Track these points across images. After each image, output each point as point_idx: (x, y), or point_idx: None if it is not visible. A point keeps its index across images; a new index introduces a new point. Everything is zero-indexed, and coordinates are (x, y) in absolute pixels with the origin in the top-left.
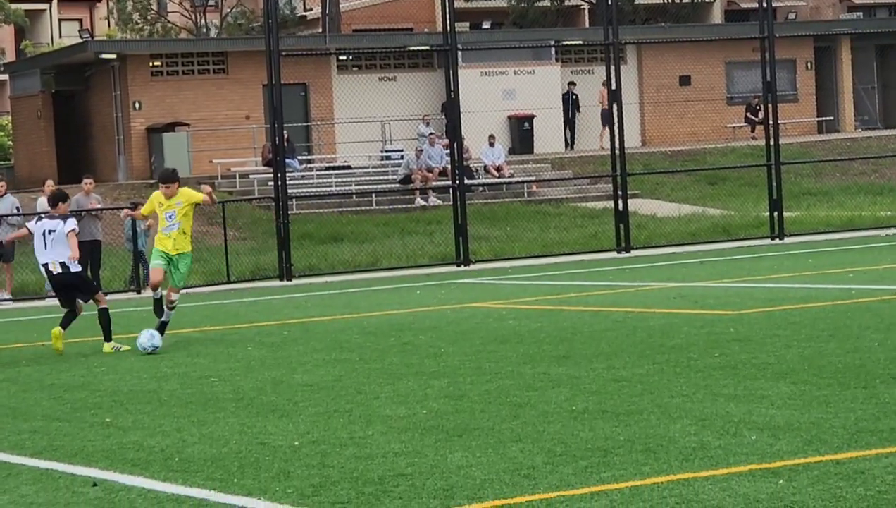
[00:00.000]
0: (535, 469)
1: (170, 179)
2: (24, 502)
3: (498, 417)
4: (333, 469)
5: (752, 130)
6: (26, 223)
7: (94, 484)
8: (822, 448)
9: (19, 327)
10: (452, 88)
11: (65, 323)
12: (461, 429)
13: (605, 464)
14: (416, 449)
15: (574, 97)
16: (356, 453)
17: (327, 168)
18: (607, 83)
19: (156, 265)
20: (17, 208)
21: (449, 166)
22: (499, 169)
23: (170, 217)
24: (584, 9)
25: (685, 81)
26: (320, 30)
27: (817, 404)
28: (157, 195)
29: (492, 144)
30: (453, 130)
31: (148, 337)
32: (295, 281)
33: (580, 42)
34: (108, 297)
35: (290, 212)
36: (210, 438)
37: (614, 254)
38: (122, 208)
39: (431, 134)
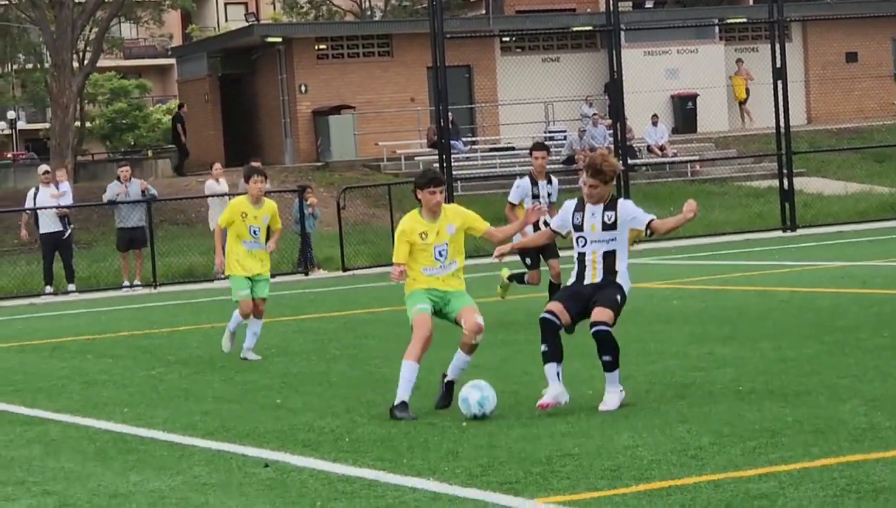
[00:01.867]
0: (702, 449)
1: (439, 180)
2: (198, 483)
3: (664, 397)
4: (501, 450)
5: None
6: None
7: (266, 465)
8: None
9: (188, 309)
10: (615, 69)
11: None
12: (627, 410)
13: (774, 445)
14: (583, 430)
15: None
16: (523, 434)
17: (491, 150)
18: (772, 61)
19: (422, 310)
20: (145, 193)
21: (612, 147)
22: (662, 149)
23: (441, 255)
24: None
25: (851, 57)
26: (483, 11)
27: None
28: (414, 222)
29: (655, 124)
30: (616, 111)
31: (477, 397)
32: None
33: (744, 20)
34: (275, 279)
35: (455, 193)
36: (379, 419)
37: (780, 233)
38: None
39: (595, 114)
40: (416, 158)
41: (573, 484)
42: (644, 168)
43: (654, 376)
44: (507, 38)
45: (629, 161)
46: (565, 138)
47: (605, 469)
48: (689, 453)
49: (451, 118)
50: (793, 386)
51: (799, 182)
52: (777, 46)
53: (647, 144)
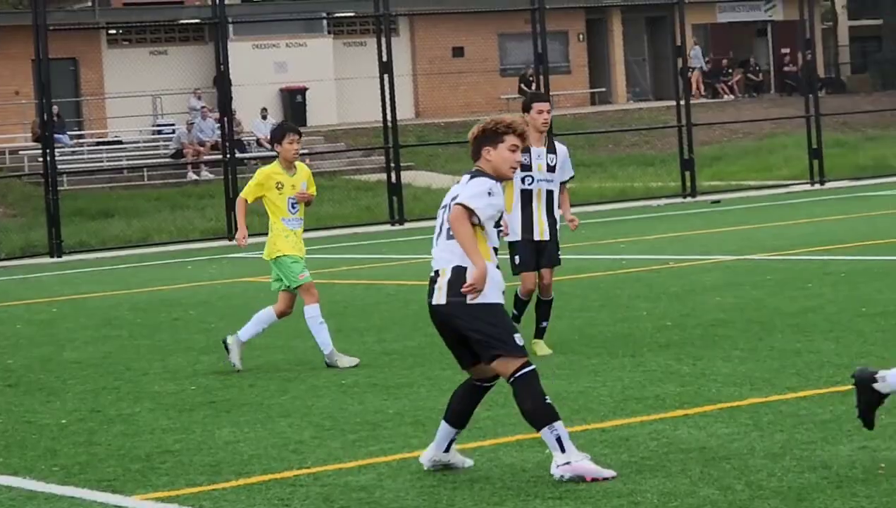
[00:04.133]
0: (302, 443)
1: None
2: None
3: (267, 392)
4: (101, 447)
5: None
6: None
7: None
8: (588, 416)
9: None
10: (222, 62)
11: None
12: (230, 405)
13: (374, 438)
14: (185, 425)
15: None
16: (124, 430)
17: (98, 143)
18: (379, 55)
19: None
20: None
21: (220, 140)
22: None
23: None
24: None
25: (458, 52)
26: (90, 3)
27: (586, 373)
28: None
29: (264, 117)
30: (224, 104)
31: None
32: (66, 257)
33: (352, 14)
34: None
35: (60, 188)
36: None
37: (388, 227)
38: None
39: (203, 108)
40: (20, 152)
41: (172, 480)
42: (253, 162)
43: (259, 370)
44: (114, 31)
45: (237, 155)
46: (174, 132)
47: (205, 464)
48: (289, 447)
49: (55, 111)
50: (395, 378)
51: (407, 176)
52: (383, 41)
53: (256, 137)
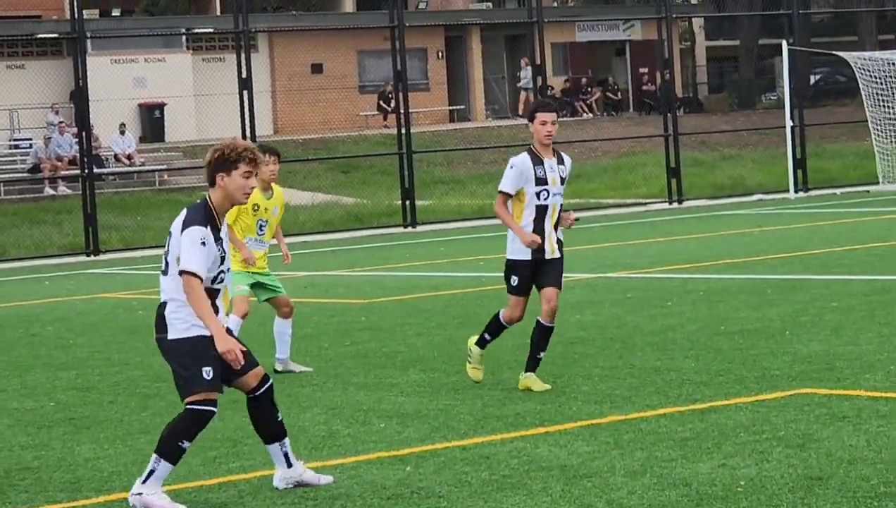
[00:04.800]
0: None
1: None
2: None
3: (127, 408)
4: None
5: (385, 119)
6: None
7: None
8: (448, 434)
9: None
10: (80, 77)
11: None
12: (89, 421)
13: (235, 455)
14: (44, 442)
15: None
16: None
17: None
18: (238, 71)
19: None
20: None
21: (78, 155)
22: (129, 157)
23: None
24: None
25: (317, 69)
26: None
27: (446, 391)
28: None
29: (122, 133)
30: (82, 119)
31: None
32: None
33: (211, 30)
34: None
35: None
36: None
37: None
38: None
39: (61, 122)
40: None
41: (32, 497)
42: (112, 177)
43: (118, 387)
44: None
45: (95, 170)
46: (31, 146)
47: (64, 481)
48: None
49: None
50: None
51: None
52: (243, 57)
53: (114, 152)
